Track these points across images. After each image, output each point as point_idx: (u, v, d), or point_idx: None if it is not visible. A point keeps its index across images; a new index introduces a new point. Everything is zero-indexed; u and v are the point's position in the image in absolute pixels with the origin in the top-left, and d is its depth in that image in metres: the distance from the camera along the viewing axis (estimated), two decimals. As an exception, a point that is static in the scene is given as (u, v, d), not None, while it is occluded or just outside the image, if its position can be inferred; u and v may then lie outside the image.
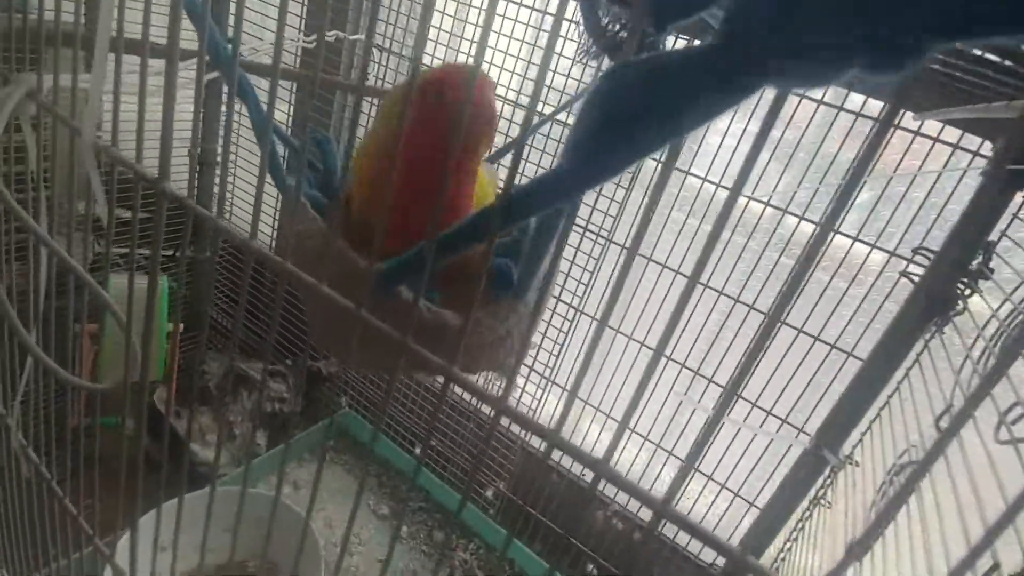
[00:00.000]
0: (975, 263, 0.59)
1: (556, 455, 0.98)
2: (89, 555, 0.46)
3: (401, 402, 1.07)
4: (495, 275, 0.28)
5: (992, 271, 0.59)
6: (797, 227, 0.70)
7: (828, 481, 0.68)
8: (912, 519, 0.43)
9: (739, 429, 0.75)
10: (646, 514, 0.92)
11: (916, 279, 0.60)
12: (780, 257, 0.71)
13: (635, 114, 0.12)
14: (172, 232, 1.02)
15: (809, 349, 0.69)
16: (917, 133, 0.63)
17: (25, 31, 0.38)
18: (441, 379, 0.22)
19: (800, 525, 0.71)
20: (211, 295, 1.19)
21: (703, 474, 0.80)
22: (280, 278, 0.24)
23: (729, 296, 0.74)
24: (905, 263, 0.63)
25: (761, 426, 0.74)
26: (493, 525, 0.99)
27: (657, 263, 0.79)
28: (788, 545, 0.71)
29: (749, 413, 0.75)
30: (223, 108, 1.08)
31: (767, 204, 0.69)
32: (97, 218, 0.36)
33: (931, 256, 0.60)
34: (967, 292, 0.59)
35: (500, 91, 0.85)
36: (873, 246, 0.64)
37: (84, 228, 0.56)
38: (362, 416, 1.13)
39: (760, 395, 0.74)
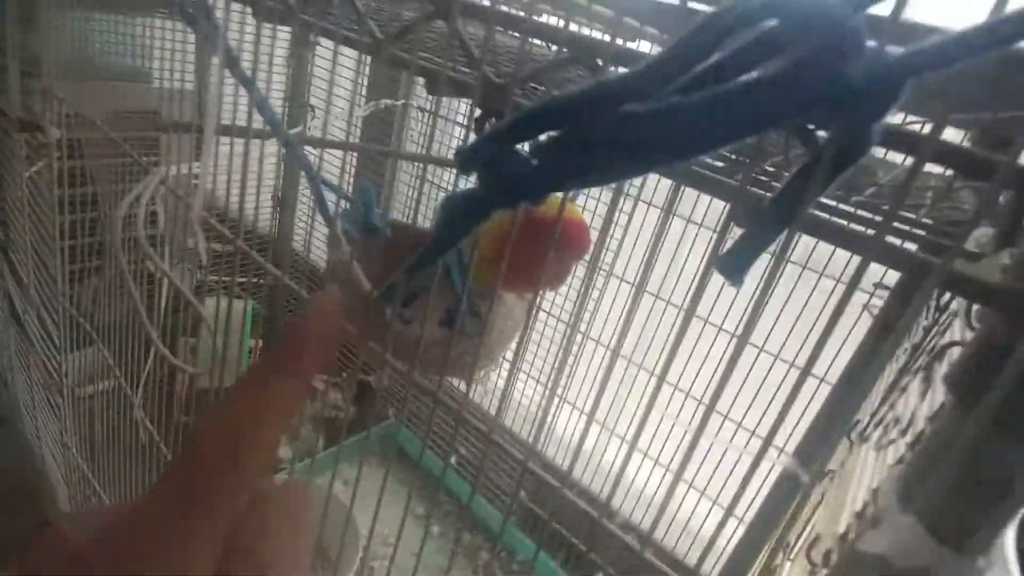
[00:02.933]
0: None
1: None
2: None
3: (441, 416, 1.21)
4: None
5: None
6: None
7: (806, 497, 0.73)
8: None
9: (726, 448, 0.81)
10: (658, 534, 0.98)
11: (875, 312, 0.66)
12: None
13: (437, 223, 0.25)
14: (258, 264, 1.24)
15: (786, 373, 0.76)
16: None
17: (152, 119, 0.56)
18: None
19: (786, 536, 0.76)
20: (283, 316, 1.40)
21: (696, 490, 0.87)
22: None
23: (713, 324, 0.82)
24: (868, 297, 0.69)
25: (746, 446, 0.80)
26: (514, 531, 1.09)
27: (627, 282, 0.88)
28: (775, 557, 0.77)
29: (735, 433, 0.82)
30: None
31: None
32: (200, 257, 0.52)
33: (888, 290, 0.66)
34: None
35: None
36: (838, 281, 0.71)
37: (192, 264, 0.75)
38: (405, 427, 1.27)
39: (745, 415, 0.80)
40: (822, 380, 0.74)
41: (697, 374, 0.86)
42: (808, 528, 0.50)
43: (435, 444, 1.23)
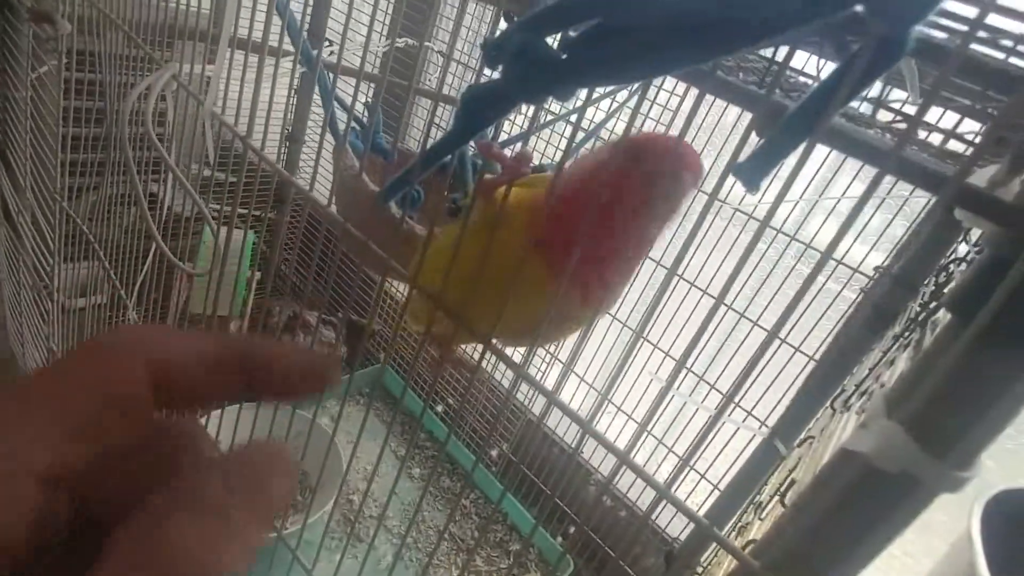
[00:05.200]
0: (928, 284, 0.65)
1: (552, 423, 1.09)
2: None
3: (429, 363, 1.22)
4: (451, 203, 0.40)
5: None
6: (774, 240, 0.78)
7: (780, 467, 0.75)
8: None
9: (710, 417, 0.83)
10: (632, 494, 1.01)
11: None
12: (760, 261, 0.79)
13: (459, 113, 0.25)
14: (262, 196, 1.23)
15: (776, 350, 0.77)
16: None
17: (167, 26, 0.55)
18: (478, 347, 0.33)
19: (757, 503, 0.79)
20: (281, 251, 1.39)
21: (676, 454, 0.89)
22: (335, 227, 0.37)
23: (711, 295, 0.83)
24: (868, 281, 0.69)
25: (729, 415, 0.82)
26: (494, 481, 1.12)
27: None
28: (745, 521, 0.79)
29: (720, 403, 0.83)
30: (315, 97, 1.27)
31: (750, 216, 0.77)
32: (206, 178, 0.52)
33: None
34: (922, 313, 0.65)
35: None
36: (839, 262, 0.71)
37: (196, 184, 0.75)
38: (395, 371, 1.29)
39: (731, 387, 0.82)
40: (796, 349, 0.75)
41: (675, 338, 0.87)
42: (783, 486, 0.51)
43: (420, 387, 1.25)
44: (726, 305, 0.83)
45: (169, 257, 0.47)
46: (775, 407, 0.79)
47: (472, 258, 0.28)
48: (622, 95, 0.66)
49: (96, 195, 0.83)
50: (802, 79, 0.44)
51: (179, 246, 1.16)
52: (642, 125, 0.84)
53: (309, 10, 1.07)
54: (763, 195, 0.78)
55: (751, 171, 0.19)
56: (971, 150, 0.30)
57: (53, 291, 0.83)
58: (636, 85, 0.56)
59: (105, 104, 0.74)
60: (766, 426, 0.80)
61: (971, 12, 0.18)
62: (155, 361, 0.15)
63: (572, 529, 1.04)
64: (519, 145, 0.65)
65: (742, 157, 0.20)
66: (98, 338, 0.15)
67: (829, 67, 0.23)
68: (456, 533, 1.04)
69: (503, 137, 0.66)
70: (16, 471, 0.13)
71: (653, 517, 0.95)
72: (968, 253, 0.37)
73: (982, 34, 0.20)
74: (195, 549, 0.12)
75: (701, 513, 0.90)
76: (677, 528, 0.93)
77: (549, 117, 0.64)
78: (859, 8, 0.16)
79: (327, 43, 1.03)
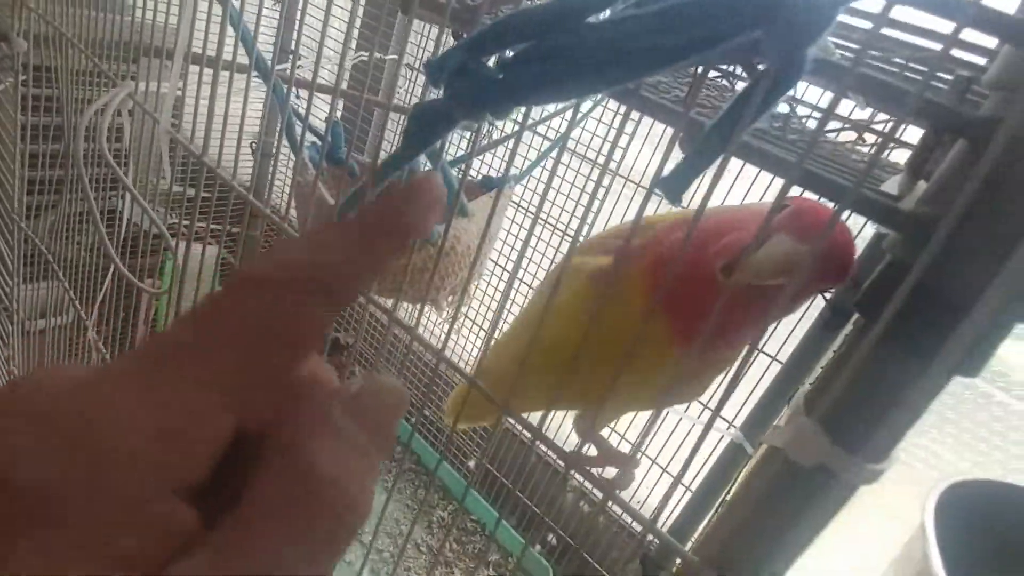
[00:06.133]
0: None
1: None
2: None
3: (405, 376, 1.22)
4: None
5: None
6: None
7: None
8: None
9: (679, 419, 0.84)
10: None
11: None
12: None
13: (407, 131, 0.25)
14: (235, 211, 1.22)
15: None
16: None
17: (131, 43, 0.55)
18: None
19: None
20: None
21: (648, 458, 0.90)
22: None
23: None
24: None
25: (698, 418, 0.83)
26: (472, 491, 1.12)
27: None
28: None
29: (688, 407, 0.85)
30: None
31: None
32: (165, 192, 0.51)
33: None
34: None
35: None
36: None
37: (154, 199, 0.74)
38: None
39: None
40: (758, 350, 0.77)
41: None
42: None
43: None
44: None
45: (127, 276, 0.47)
46: (741, 408, 0.81)
47: (573, 336, 0.26)
48: (586, 105, 0.67)
49: (55, 213, 0.81)
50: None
51: (145, 263, 1.15)
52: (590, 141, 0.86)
53: (264, 24, 1.07)
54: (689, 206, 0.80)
55: (673, 184, 0.20)
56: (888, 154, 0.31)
57: (12, 312, 0.81)
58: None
59: (63, 120, 0.73)
60: (733, 427, 0.81)
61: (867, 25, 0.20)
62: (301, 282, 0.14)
63: (551, 537, 1.04)
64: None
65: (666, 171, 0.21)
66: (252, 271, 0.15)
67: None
68: (433, 545, 1.04)
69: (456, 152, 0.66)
70: (212, 406, 0.13)
71: (629, 521, 0.96)
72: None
73: (875, 53, 0.21)
74: (341, 478, 0.12)
75: (675, 515, 0.91)
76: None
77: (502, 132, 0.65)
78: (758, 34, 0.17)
79: (294, 56, 1.03)
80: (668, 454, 0.89)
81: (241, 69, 0.45)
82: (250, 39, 0.46)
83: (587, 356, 0.25)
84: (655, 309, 0.26)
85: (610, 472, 0.29)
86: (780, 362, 0.76)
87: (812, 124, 0.30)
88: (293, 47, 1.06)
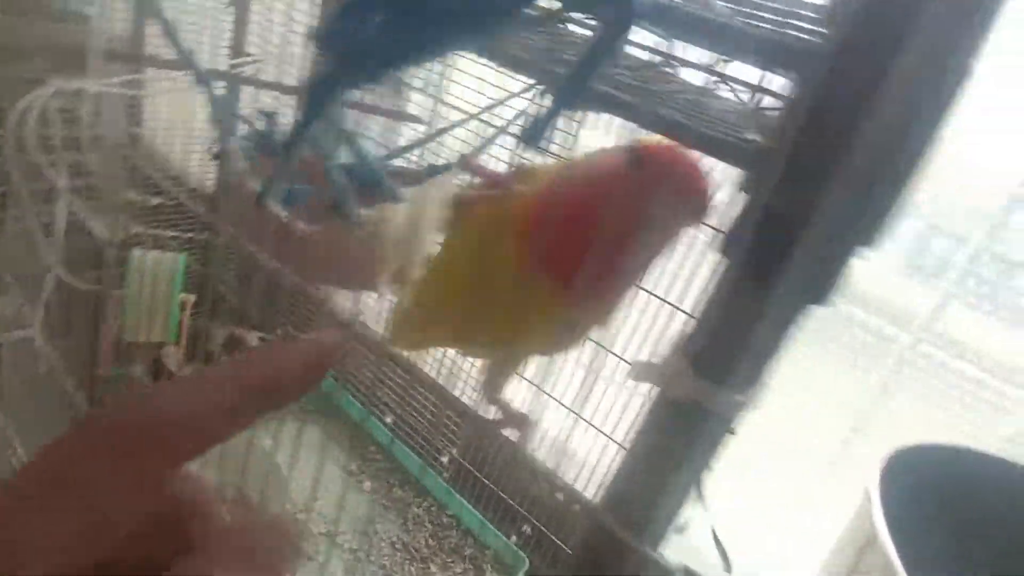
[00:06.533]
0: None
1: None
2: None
3: (375, 374, 1.21)
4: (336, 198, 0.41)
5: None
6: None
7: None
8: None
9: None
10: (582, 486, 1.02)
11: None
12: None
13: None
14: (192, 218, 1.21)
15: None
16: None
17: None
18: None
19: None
20: (220, 273, 1.37)
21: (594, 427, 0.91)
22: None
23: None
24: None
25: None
26: (445, 486, 1.11)
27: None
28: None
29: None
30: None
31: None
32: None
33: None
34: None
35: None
36: (715, 229, 0.74)
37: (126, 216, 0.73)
38: (342, 385, 1.27)
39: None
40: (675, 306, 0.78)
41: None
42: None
43: (373, 404, 1.24)
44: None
45: (71, 282, 0.46)
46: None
47: (463, 274, 0.27)
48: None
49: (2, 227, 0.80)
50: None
51: (108, 273, 1.13)
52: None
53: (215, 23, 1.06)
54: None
55: (532, 134, 0.20)
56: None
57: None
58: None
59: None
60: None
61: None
62: (167, 430, 0.14)
63: (526, 528, 1.04)
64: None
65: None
66: (103, 419, 0.14)
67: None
68: (409, 542, 1.04)
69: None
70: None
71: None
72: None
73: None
74: None
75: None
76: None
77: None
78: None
79: (248, 56, 1.03)
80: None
81: (163, 66, 0.44)
82: (176, 34, 0.45)
83: (469, 295, 0.25)
84: (531, 260, 0.26)
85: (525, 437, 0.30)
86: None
87: (686, 77, 0.31)
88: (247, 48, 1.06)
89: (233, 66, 0.95)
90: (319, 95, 0.27)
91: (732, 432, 0.74)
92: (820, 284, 0.19)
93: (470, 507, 1.07)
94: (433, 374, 1.12)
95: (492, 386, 0.31)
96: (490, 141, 0.60)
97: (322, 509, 1.04)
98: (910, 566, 0.46)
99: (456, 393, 1.11)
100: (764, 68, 0.20)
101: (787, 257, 0.18)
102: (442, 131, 0.69)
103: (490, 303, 0.26)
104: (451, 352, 1.11)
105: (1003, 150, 0.87)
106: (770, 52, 0.17)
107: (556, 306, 0.26)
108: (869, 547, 0.49)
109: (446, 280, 0.28)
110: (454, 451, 1.13)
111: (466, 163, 0.30)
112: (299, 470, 1.13)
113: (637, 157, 0.24)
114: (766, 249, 0.19)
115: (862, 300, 0.96)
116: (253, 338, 1.17)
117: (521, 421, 0.32)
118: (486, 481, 1.10)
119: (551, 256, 0.25)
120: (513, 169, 0.29)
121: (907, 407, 0.96)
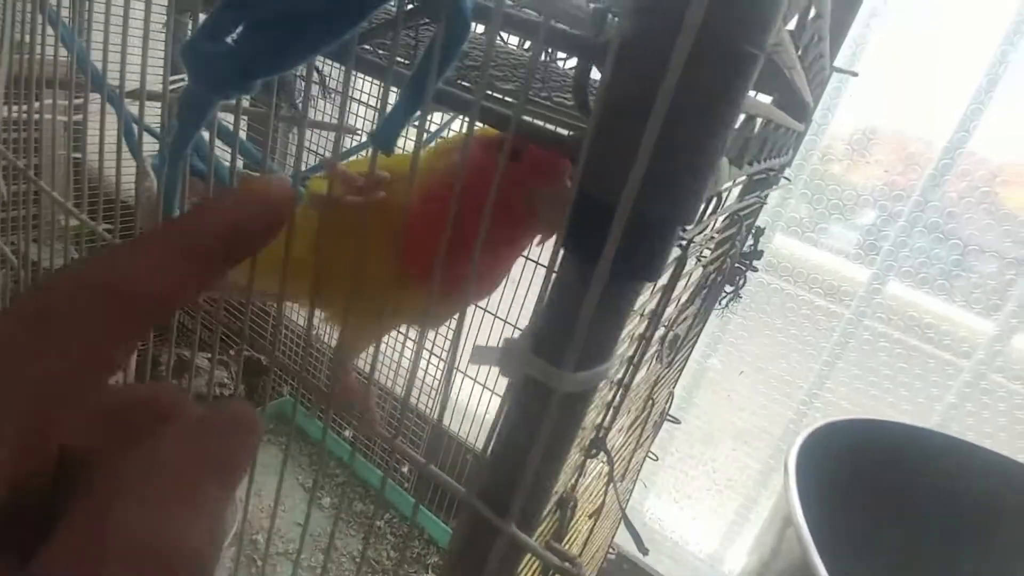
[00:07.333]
0: (748, 247, 0.72)
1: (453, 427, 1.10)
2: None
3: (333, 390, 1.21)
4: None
5: (761, 252, 0.73)
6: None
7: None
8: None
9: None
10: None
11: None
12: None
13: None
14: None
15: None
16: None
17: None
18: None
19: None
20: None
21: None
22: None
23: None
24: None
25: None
26: (407, 497, 1.11)
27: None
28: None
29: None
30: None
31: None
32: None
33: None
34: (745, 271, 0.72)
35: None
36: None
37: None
38: (301, 403, 1.26)
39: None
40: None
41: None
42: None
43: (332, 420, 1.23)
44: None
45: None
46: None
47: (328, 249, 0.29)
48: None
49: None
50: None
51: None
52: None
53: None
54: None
55: (383, 139, 0.21)
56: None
57: None
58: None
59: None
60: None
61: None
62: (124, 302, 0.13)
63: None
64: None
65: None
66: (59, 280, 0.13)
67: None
68: (370, 556, 1.03)
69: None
70: None
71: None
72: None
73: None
74: (146, 537, 0.11)
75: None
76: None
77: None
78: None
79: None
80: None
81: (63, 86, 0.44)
82: (83, 55, 0.45)
83: (333, 270, 0.28)
84: (406, 262, 0.28)
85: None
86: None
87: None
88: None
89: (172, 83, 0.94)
90: (193, 109, 0.28)
91: (675, 421, 0.76)
92: (648, 261, 0.20)
93: (433, 516, 1.07)
94: (389, 384, 1.12)
95: (343, 355, 0.33)
96: (357, 149, 0.60)
97: (279, 529, 1.03)
98: (825, 544, 0.47)
99: (413, 401, 1.11)
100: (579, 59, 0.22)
101: (603, 229, 0.19)
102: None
103: (348, 279, 0.28)
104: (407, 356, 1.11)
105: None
106: (570, 44, 0.18)
107: (421, 295, 0.28)
108: (788, 525, 0.51)
109: (307, 246, 0.28)
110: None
111: (329, 166, 0.31)
112: (255, 490, 1.11)
113: (515, 149, 0.26)
114: (586, 224, 0.20)
115: (806, 280, 1.01)
116: (205, 361, 1.15)
117: (358, 393, 0.33)
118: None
119: (426, 260, 0.25)
120: (370, 176, 0.29)
121: (855, 382, 1.00)
